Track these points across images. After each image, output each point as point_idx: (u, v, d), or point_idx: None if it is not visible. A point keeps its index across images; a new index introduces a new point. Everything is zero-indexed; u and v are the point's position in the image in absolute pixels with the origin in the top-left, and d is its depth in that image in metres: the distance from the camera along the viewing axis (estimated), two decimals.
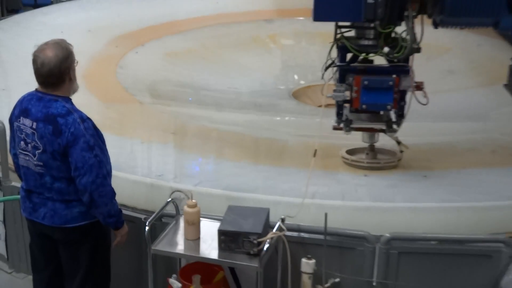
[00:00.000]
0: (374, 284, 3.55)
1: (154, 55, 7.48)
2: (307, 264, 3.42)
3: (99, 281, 3.50)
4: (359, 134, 4.48)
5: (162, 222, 3.62)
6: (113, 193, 3.32)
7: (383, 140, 4.61)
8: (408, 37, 3.85)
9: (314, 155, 3.79)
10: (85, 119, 3.23)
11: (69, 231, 3.32)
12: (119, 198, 3.58)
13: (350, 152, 4.60)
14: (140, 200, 4.08)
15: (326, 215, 3.40)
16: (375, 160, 4.46)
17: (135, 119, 5.60)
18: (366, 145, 4.49)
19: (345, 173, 4.46)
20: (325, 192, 4.05)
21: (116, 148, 4.64)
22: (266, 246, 3.16)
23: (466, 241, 3.56)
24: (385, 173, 4.47)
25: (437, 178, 4.37)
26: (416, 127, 5.26)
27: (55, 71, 3.18)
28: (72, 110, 3.23)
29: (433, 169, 4.53)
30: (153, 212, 3.60)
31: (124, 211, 3.64)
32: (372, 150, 4.48)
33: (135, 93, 6.17)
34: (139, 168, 4.48)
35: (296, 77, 7.44)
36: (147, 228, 3.32)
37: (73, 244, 3.37)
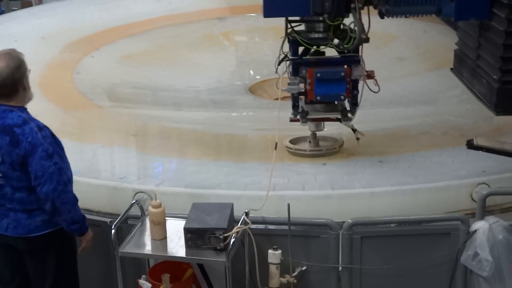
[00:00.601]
0: (340, 269, 3.67)
1: (110, 59, 7.43)
2: (273, 255, 3.50)
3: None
4: None
5: (128, 224, 3.65)
6: (75, 199, 3.34)
7: (341, 129, 4.74)
8: (356, 28, 3.95)
9: (275, 148, 3.86)
10: (42, 128, 3.24)
11: (34, 240, 3.33)
12: (83, 203, 3.60)
13: (294, 141, 4.73)
14: (104, 203, 4.10)
15: (288, 205, 3.49)
16: (317, 148, 4.60)
17: (95, 123, 5.58)
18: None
19: (304, 164, 4.56)
20: (286, 183, 4.14)
21: (77, 154, 4.65)
22: (232, 240, 3.24)
23: (424, 221, 3.70)
24: (343, 160, 4.58)
25: (393, 162, 4.50)
26: (370, 114, 5.39)
27: (8, 81, 3.18)
28: (29, 119, 3.23)
29: (388, 153, 4.66)
30: (118, 215, 3.63)
31: (88, 216, 3.67)
32: (314, 138, 4.62)
33: (93, 98, 6.13)
34: (101, 172, 4.49)
35: (251, 72, 7.49)
36: (113, 231, 3.35)
37: (38, 253, 3.38)
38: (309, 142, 4.63)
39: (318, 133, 4.65)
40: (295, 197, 3.89)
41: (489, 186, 3.91)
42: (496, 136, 4.61)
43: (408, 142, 4.95)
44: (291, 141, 4.71)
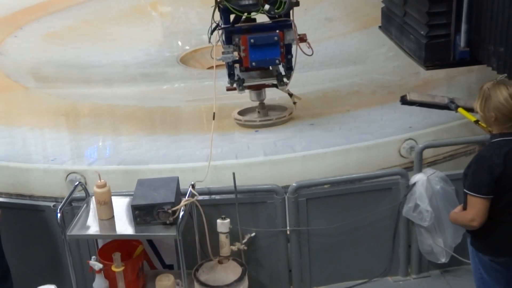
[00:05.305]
0: (288, 232, 3.72)
1: (35, 37, 7.17)
2: (222, 224, 3.51)
3: None
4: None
5: (72, 206, 3.56)
6: None
7: (274, 95, 4.73)
8: None
9: (213, 118, 3.84)
10: None
11: None
12: (15, 189, 3.45)
13: (242, 112, 4.72)
14: (36, 187, 4.00)
15: (234, 174, 3.50)
16: (267, 117, 4.62)
17: (22, 106, 5.40)
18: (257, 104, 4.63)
19: (236, 132, 4.56)
20: (219, 153, 4.14)
21: (6, 138, 4.52)
22: (181, 214, 3.21)
23: (368, 178, 3.79)
24: (275, 126, 4.61)
25: (324, 124, 4.58)
26: (302, 77, 5.45)
27: None
28: None
29: (320, 116, 4.72)
30: (52, 198, 3.53)
31: (28, 201, 3.57)
32: (263, 108, 4.63)
33: (19, 79, 5.93)
34: (32, 155, 4.34)
35: (180, 43, 7.39)
36: (59, 214, 3.24)
37: None
38: (258, 112, 4.63)
39: (266, 103, 4.64)
40: (229, 166, 3.90)
41: (416, 142, 4.06)
42: (425, 91, 4.77)
43: (338, 103, 5.04)
44: (240, 113, 4.70)
